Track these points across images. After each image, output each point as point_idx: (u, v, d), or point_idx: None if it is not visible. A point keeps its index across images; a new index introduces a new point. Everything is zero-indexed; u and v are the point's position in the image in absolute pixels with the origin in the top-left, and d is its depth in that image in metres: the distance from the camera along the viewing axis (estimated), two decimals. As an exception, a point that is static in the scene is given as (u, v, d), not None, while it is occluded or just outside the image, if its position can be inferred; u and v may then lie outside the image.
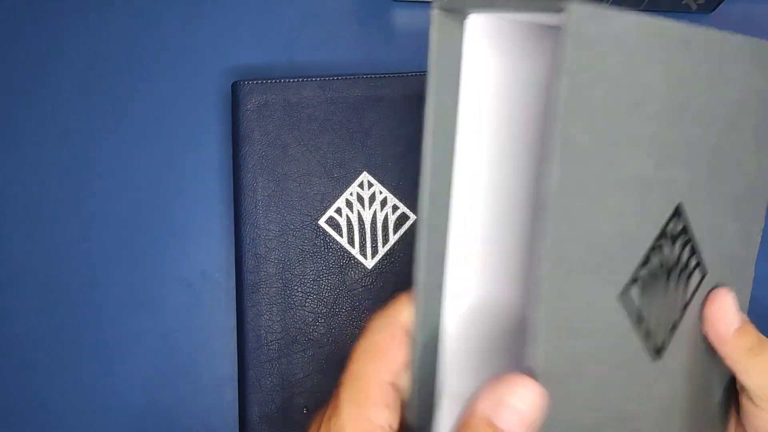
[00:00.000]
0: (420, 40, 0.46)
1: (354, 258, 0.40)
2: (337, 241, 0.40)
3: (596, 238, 0.21)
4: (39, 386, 0.43)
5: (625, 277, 0.23)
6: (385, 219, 0.40)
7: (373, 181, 0.40)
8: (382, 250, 0.40)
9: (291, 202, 0.40)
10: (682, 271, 0.26)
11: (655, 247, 0.24)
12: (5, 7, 0.46)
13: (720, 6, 0.45)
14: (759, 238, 0.29)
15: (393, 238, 0.40)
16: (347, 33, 0.46)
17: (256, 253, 0.40)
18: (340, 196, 0.40)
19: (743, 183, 0.27)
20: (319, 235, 0.40)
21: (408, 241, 0.40)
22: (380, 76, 0.41)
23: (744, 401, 0.29)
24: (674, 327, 0.26)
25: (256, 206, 0.40)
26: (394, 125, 0.41)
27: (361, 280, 0.40)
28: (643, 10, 0.46)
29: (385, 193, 0.40)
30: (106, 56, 0.46)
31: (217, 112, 0.45)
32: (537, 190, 0.24)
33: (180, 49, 0.46)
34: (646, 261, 0.24)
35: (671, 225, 0.25)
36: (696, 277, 0.27)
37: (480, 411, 0.20)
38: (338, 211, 0.40)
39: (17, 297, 0.43)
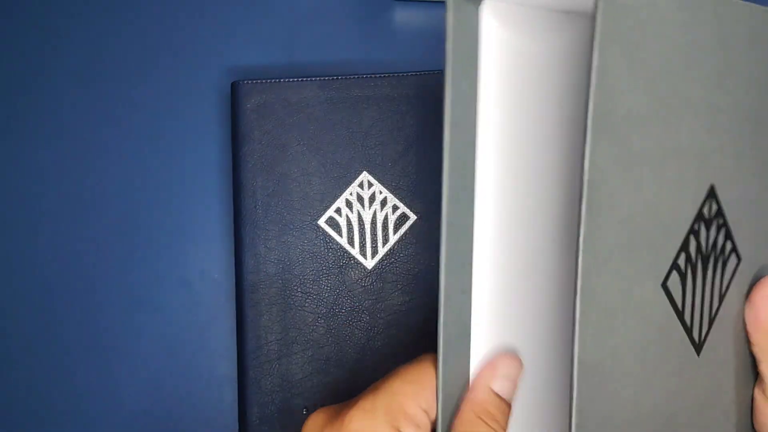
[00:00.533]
0: (420, 39, 0.46)
1: (354, 258, 0.40)
2: (337, 241, 0.40)
3: (637, 222, 0.20)
4: (36, 387, 0.43)
5: (667, 263, 0.22)
6: (385, 219, 0.40)
7: (373, 180, 0.40)
8: (382, 250, 0.40)
9: (291, 202, 0.40)
10: (718, 257, 0.25)
11: (692, 231, 0.23)
12: (1, 6, 0.46)
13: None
14: None
15: (393, 238, 0.40)
16: (347, 33, 0.46)
17: (255, 253, 0.39)
18: (340, 196, 0.40)
19: None
20: (319, 235, 0.40)
21: (408, 241, 0.40)
22: (380, 76, 0.41)
23: (757, 394, 0.29)
24: (713, 318, 0.25)
25: (255, 206, 0.40)
26: (394, 125, 0.41)
27: (361, 280, 0.40)
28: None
29: (385, 192, 0.40)
30: (104, 55, 0.46)
31: (216, 112, 0.44)
32: (566, 179, 0.23)
33: (179, 49, 0.46)
34: (684, 246, 0.23)
35: (706, 206, 0.23)
36: (732, 263, 0.25)
37: (484, 384, 0.26)
38: (338, 211, 0.40)
39: (14, 297, 0.43)
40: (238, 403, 0.39)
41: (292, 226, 0.40)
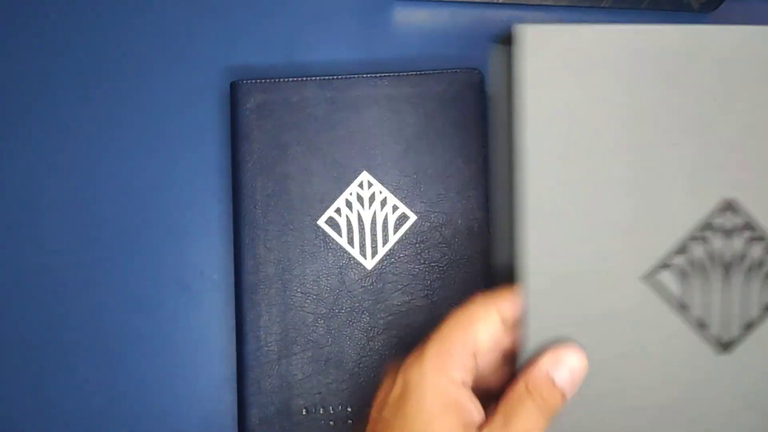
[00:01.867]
0: (420, 39, 0.46)
1: (354, 258, 0.40)
2: (337, 242, 0.40)
3: (597, 229, 0.25)
4: (35, 387, 0.43)
5: (651, 260, 0.26)
6: (385, 219, 0.40)
7: (373, 180, 0.40)
8: (382, 250, 0.40)
9: (290, 203, 0.40)
10: (752, 268, 0.27)
11: (697, 238, 0.26)
12: (1, 5, 0.46)
13: (722, 5, 0.45)
14: None
15: (393, 239, 0.40)
16: (347, 32, 0.46)
17: (255, 254, 0.39)
18: (340, 195, 0.40)
19: None
20: (319, 236, 0.40)
21: (408, 241, 0.40)
22: (380, 76, 0.41)
23: None
24: (750, 325, 0.27)
25: (255, 206, 0.40)
26: (394, 125, 0.40)
27: (361, 280, 0.40)
28: (645, 10, 0.46)
29: (385, 193, 0.40)
30: (103, 55, 0.45)
31: (215, 113, 0.44)
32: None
33: (179, 49, 0.45)
34: (682, 249, 0.26)
35: (720, 218, 0.26)
36: None
37: (542, 364, 0.27)
38: (338, 211, 0.40)
39: (13, 298, 0.43)
40: (237, 404, 0.39)
41: (291, 227, 0.40)
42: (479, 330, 0.28)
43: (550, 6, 0.46)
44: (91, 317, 0.43)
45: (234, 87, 0.41)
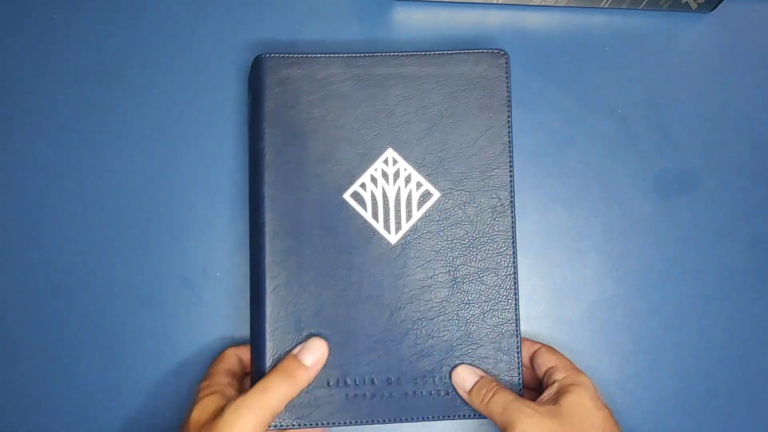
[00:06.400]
0: (420, 39, 0.46)
1: (378, 232, 0.40)
2: (362, 215, 0.40)
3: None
4: (37, 384, 0.43)
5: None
6: (409, 195, 0.40)
7: (398, 157, 0.40)
8: (405, 226, 0.40)
9: (315, 175, 0.40)
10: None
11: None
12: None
13: (720, 5, 0.45)
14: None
15: (417, 215, 0.40)
16: (347, 32, 0.46)
17: (275, 225, 0.39)
18: (365, 171, 0.40)
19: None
20: (344, 209, 0.40)
21: (432, 218, 0.40)
22: (407, 54, 0.41)
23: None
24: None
25: (276, 179, 0.39)
26: (419, 103, 0.41)
27: (385, 254, 0.40)
28: (644, 10, 0.46)
29: (410, 170, 0.40)
30: (106, 54, 0.46)
31: (220, 110, 0.45)
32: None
33: (178, 50, 0.46)
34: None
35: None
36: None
37: (291, 353, 0.38)
38: (363, 186, 0.40)
39: (16, 294, 0.43)
40: (252, 377, 0.39)
41: (316, 199, 0.40)
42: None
43: (550, 6, 0.47)
44: (94, 313, 0.43)
45: (258, 61, 0.41)
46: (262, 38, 0.46)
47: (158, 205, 0.44)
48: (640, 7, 0.46)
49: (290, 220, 0.39)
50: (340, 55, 0.41)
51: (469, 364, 0.39)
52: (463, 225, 0.40)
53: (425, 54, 0.41)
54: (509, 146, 0.41)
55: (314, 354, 0.37)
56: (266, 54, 0.40)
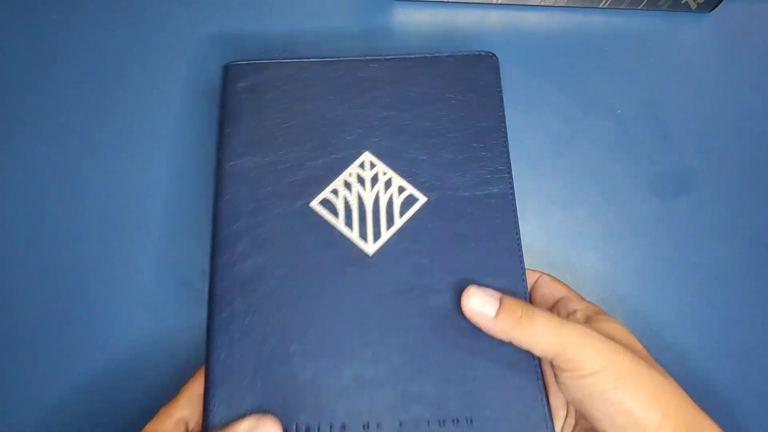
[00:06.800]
0: (420, 39, 0.46)
1: (352, 243, 0.35)
2: (332, 224, 0.36)
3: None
4: (36, 387, 0.43)
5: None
6: (390, 201, 0.36)
7: (375, 161, 0.37)
8: (386, 234, 0.36)
9: (281, 185, 0.36)
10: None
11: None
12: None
13: (719, 5, 0.45)
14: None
15: (399, 221, 0.36)
16: (347, 32, 0.46)
17: (235, 243, 0.35)
18: (338, 176, 0.37)
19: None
20: (312, 218, 0.36)
21: (417, 225, 0.36)
22: (387, 58, 0.39)
23: (554, 370, 0.30)
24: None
25: (236, 191, 0.36)
26: (401, 107, 0.38)
27: (362, 267, 0.35)
28: (644, 10, 0.46)
29: (390, 173, 0.37)
30: (103, 56, 0.45)
31: (216, 110, 0.45)
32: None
33: (178, 50, 0.46)
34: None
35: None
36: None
37: (235, 428, 0.31)
38: (334, 192, 0.36)
39: (13, 296, 0.43)
40: (204, 415, 0.34)
41: (281, 212, 0.36)
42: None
43: (550, 6, 0.47)
44: (92, 315, 0.43)
45: (226, 69, 0.39)
46: (262, 38, 0.46)
47: (156, 205, 0.44)
48: (639, 8, 0.46)
49: (250, 236, 0.35)
50: (313, 59, 0.39)
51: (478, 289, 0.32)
52: (453, 231, 0.35)
53: (407, 57, 0.39)
54: (505, 149, 0.38)
55: None
56: (234, 61, 0.39)
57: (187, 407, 0.32)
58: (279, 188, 0.36)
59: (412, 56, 0.39)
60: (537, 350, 0.29)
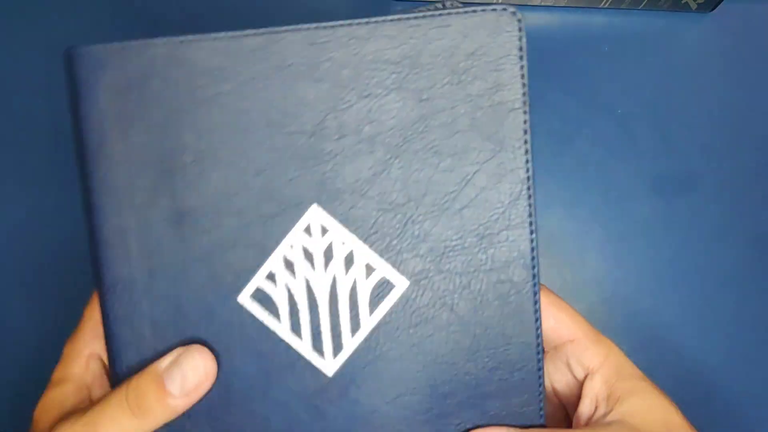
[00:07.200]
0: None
1: (302, 358, 0.24)
2: (271, 330, 0.24)
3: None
4: (37, 388, 0.42)
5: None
6: (353, 289, 0.24)
7: (329, 221, 0.23)
8: (350, 343, 0.24)
9: (183, 267, 0.23)
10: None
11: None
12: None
13: (720, 5, 0.45)
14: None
15: (369, 322, 0.24)
16: (347, 32, 0.46)
17: (129, 360, 0.24)
18: (273, 250, 0.23)
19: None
20: (241, 320, 0.24)
21: (394, 326, 0.24)
22: (335, 25, 0.26)
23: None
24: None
25: (129, 285, 0.23)
26: (362, 116, 0.23)
27: (317, 394, 0.24)
28: (643, 10, 0.46)
29: (351, 242, 0.23)
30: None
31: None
32: None
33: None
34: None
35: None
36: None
37: (155, 369, 0.23)
38: (271, 277, 0.23)
39: (13, 298, 0.43)
40: None
41: (191, 310, 0.23)
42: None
43: (550, 6, 0.47)
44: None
45: (72, 58, 0.23)
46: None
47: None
48: (639, 7, 0.46)
49: (138, 353, 0.23)
50: (217, 36, 0.23)
51: None
52: (452, 331, 0.24)
53: (372, 22, 0.24)
54: (529, 186, 0.24)
55: (189, 376, 0.23)
56: (81, 46, 0.23)
57: (96, 340, 0.26)
58: (187, 274, 0.23)
59: (383, 20, 0.24)
60: None
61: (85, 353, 0.26)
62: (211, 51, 0.23)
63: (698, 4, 0.46)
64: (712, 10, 0.46)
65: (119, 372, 0.24)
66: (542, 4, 0.47)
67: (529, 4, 0.47)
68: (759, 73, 0.47)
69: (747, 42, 0.47)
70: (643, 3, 0.46)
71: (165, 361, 0.23)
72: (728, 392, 0.43)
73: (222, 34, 0.23)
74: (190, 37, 0.23)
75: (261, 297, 0.23)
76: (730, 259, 0.44)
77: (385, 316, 0.24)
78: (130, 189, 0.23)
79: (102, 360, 0.26)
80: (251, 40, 0.23)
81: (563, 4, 0.47)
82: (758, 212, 0.45)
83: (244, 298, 0.23)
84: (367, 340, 0.24)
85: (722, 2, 0.45)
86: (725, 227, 0.45)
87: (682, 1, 0.45)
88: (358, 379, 0.24)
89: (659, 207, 0.45)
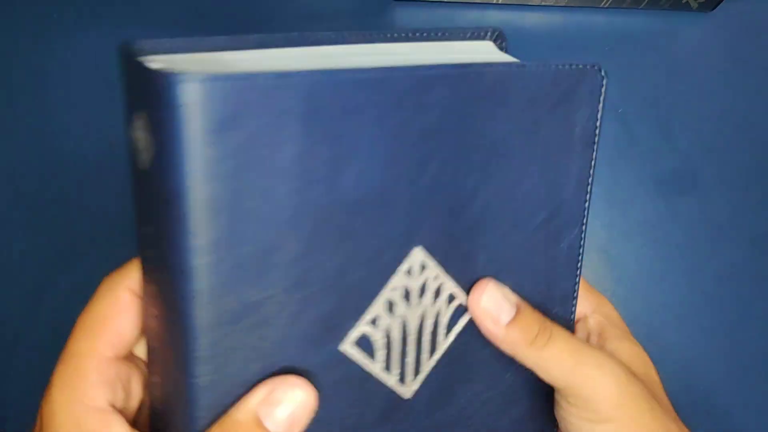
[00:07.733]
0: (420, 39, 0.46)
1: (388, 389, 0.24)
2: (368, 372, 0.23)
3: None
4: (36, 391, 0.42)
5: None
6: (437, 319, 0.24)
7: (428, 260, 0.23)
8: (426, 365, 0.24)
9: (292, 322, 0.21)
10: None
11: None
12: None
13: (720, 5, 0.45)
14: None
15: (443, 345, 0.24)
16: (347, 32, 0.46)
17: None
18: (378, 294, 0.22)
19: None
20: (339, 368, 0.22)
21: (463, 344, 0.25)
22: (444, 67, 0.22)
23: (558, 399, 0.26)
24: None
25: (216, 341, 0.20)
26: (459, 154, 0.22)
27: (395, 419, 0.24)
28: (644, 9, 0.46)
29: (442, 276, 0.23)
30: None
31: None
32: None
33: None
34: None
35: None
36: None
37: (249, 405, 0.20)
38: (374, 322, 0.22)
39: (13, 298, 0.43)
40: None
41: (280, 359, 0.21)
42: (113, 325, 0.21)
43: (550, 6, 0.47)
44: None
45: (158, 78, 0.18)
46: (261, 39, 0.46)
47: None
48: (640, 7, 0.46)
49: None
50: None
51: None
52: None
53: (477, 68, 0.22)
54: (584, 217, 0.27)
55: (288, 408, 0.20)
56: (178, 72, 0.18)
57: (102, 388, 0.22)
58: (290, 329, 0.21)
59: (488, 65, 0.23)
60: (544, 376, 0.24)
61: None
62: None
63: (699, 3, 0.46)
64: (713, 9, 0.46)
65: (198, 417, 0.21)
66: (542, 4, 0.46)
67: (529, 3, 0.47)
68: (759, 73, 0.47)
69: (747, 41, 0.47)
70: (644, 2, 0.46)
71: (256, 393, 0.20)
72: (730, 392, 0.43)
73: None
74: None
75: (363, 343, 0.22)
76: (730, 258, 0.44)
77: (456, 338, 0.25)
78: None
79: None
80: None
81: (563, 4, 0.47)
82: (759, 212, 0.45)
83: (348, 346, 0.22)
84: (440, 359, 0.24)
85: (722, 2, 0.45)
86: (725, 226, 0.45)
87: (683, 1, 0.45)
88: (426, 396, 0.24)
89: (659, 206, 0.45)
